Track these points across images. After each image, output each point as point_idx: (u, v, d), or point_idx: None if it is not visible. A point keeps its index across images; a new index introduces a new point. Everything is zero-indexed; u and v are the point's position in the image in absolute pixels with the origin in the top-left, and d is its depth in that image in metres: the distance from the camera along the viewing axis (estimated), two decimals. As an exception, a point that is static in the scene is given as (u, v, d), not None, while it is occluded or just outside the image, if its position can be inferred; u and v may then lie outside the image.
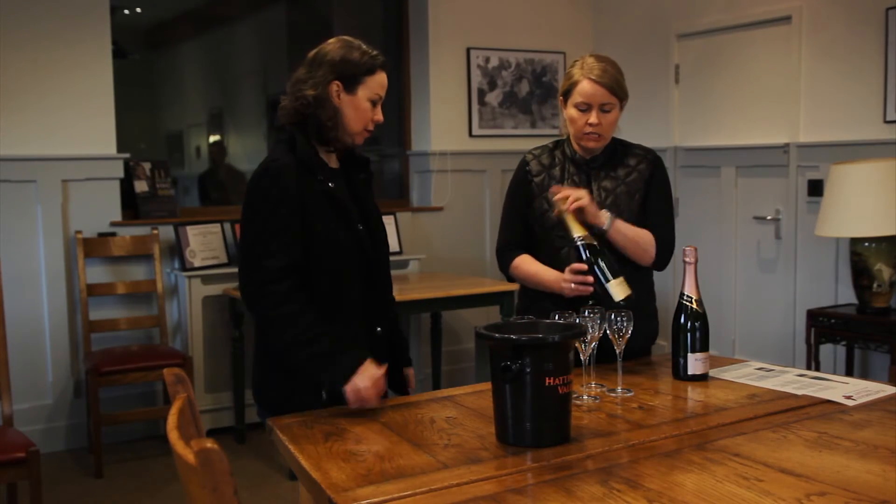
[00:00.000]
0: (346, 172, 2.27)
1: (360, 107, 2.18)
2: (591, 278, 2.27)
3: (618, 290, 2.24)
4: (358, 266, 2.19)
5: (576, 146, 2.52)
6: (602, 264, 2.25)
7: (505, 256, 2.57)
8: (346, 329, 2.15)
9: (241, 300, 2.16)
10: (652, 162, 2.52)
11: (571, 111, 2.44)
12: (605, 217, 2.37)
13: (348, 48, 2.17)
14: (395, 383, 2.32)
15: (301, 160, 2.13)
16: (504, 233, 2.61)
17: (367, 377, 2.01)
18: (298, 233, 2.09)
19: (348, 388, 2.00)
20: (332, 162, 2.24)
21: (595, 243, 2.27)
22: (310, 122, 2.16)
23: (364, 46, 2.19)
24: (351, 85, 2.16)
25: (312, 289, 2.12)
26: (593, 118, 2.41)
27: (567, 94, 2.45)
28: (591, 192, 2.45)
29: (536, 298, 2.48)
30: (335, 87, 2.15)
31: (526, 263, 2.51)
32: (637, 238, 2.43)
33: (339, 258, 2.16)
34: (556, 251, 2.45)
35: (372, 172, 2.36)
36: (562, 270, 2.39)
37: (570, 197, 2.30)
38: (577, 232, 2.27)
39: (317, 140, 2.19)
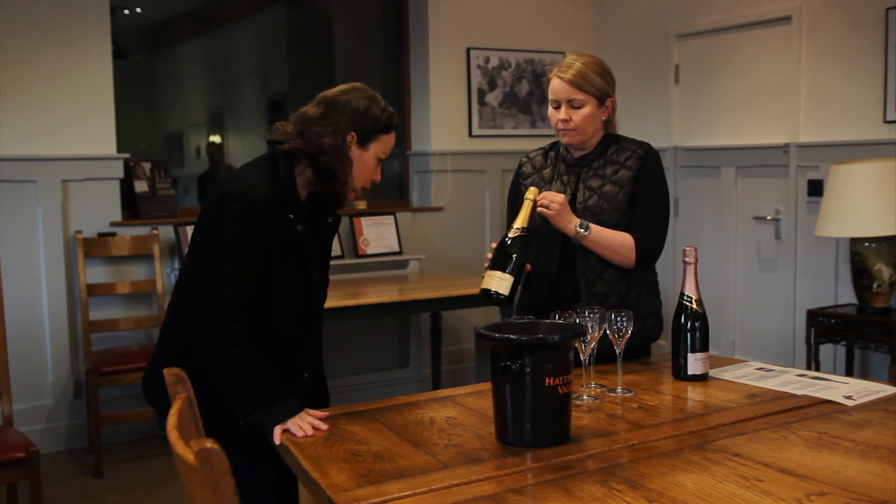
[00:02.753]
0: (312, 209, 2.17)
1: (368, 164, 2.11)
2: (489, 256, 2.26)
3: (492, 280, 2.19)
4: (302, 314, 2.13)
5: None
6: (504, 255, 2.21)
7: None
8: (277, 371, 2.05)
9: (191, 327, 2.01)
10: (642, 157, 2.47)
11: (549, 109, 2.49)
12: (573, 229, 2.36)
13: (372, 101, 2.09)
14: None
15: (279, 194, 2.03)
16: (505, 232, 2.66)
17: (304, 424, 1.90)
18: (258, 269, 2.00)
19: (276, 429, 1.91)
20: (302, 196, 2.13)
21: (521, 236, 2.23)
22: (315, 168, 2.07)
23: (384, 102, 2.12)
24: (365, 140, 2.08)
25: (256, 326, 2.03)
26: (562, 114, 2.43)
27: (546, 93, 2.51)
28: (579, 192, 2.47)
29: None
30: (350, 138, 2.07)
31: None
32: (612, 245, 2.40)
33: (286, 303, 2.08)
34: (540, 250, 2.46)
35: (340, 217, 2.27)
36: (547, 269, 2.45)
37: (543, 200, 2.33)
38: (518, 221, 2.25)
39: (315, 186, 2.10)
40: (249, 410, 1.94)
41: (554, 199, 2.34)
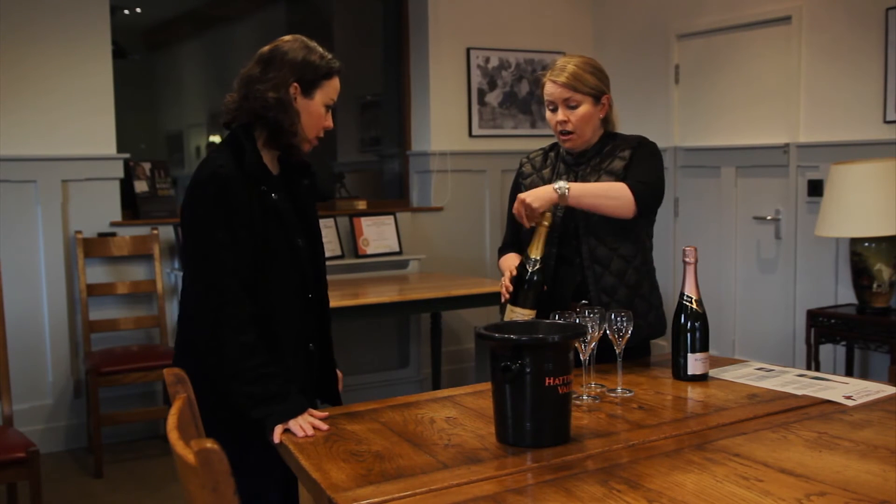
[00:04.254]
0: (287, 179, 2.18)
1: (316, 112, 2.12)
2: (511, 288, 2.28)
3: (516, 318, 2.24)
4: (295, 283, 2.12)
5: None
6: (524, 290, 2.25)
7: (498, 255, 2.66)
8: (279, 347, 2.08)
9: (195, 322, 2.04)
10: (634, 147, 2.46)
11: (547, 113, 2.49)
12: (552, 192, 2.29)
13: (308, 50, 2.10)
14: (327, 394, 2.27)
15: (248, 167, 2.04)
16: (505, 234, 2.70)
17: (305, 425, 1.89)
18: (248, 246, 2.01)
19: (277, 428, 1.90)
20: (274, 167, 2.15)
21: (541, 268, 2.26)
22: (265, 124, 2.08)
23: (321, 49, 2.13)
24: (309, 88, 2.09)
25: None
26: (560, 116, 2.44)
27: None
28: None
29: None
30: (293, 89, 2.08)
31: (504, 261, 2.56)
32: (601, 189, 2.33)
33: (277, 275, 2.08)
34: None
35: (315, 176, 2.27)
36: (547, 271, 2.44)
37: (519, 210, 2.31)
38: (534, 251, 2.27)
39: (269, 144, 2.11)
40: (252, 404, 1.94)
41: (523, 200, 2.30)
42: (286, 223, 2.10)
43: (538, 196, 2.30)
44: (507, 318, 2.26)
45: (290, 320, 2.12)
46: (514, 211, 2.34)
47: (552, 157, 2.59)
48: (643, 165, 2.42)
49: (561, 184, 2.30)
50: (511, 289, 2.28)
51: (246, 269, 2.01)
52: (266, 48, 2.13)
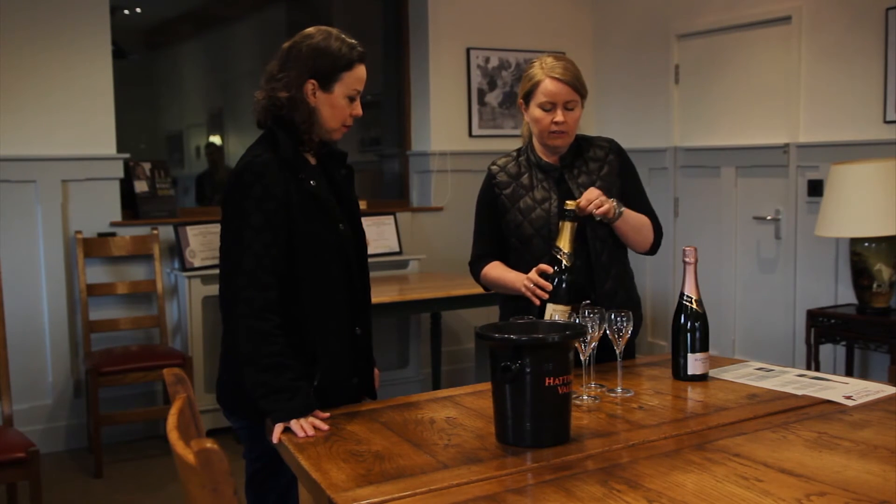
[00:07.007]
0: (325, 169, 2.20)
1: (337, 104, 2.11)
2: (549, 286, 2.25)
3: (556, 316, 2.23)
4: (340, 267, 2.14)
5: (539, 150, 2.53)
6: (564, 286, 2.24)
7: (476, 267, 2.63)
8: (328, 331, 2.11)
9: (219, 300, 2.08)
10: (617, 152, 2.55)
11: (535, 112, 2.44)
12: (613, 211, 2.36)
13: (326, 39, 2.09)
14: (367, 386, 2.27)
15: (283, 158, 2.07)
16: (476, 246, 2.67)
17: (306, 425, 1.89)
18: (282, 232, 2.03)
19: (277, 426, 1.91)
20: (311, 158, 2.18)
21: (570, 264, 2.26)
22: (284, 121, 2.11)
23: (343, 36, 2.11)
24: (327, 83, 2.09)
25: (296, 290, 2.06)
26: (559, 117, 2.41)
27: (529, 95, 2.45)
28: (574, 192, 2.46)
29: (508, 298, 2.51)
30: (310, 86, 2.08)
31: (493, 269, 2.55)
32: (640, 225, 2.47)
33: (322, 259, 2.10)
34: (534, 260, 2.39)
35: (352, 167, 2.28)
36: None
37: (592, 204, 2.30)
38: (565, 246, 2.26)
39: (289, 134, 2.13)
40: (261, 394, 1.95)
41: (604, 201, 2.32)
42: (327, 209, 2.11)
43: (608, 208, 2.33)
44: (548, 319, 2.23)
45: (336, 304, 2.13)
46: (585, 200, 2.31)
47: (524, 164, 2.57)
48: (641, 191, 2.57)
49: (619, 208, 2.37)
50: (549, 287, 2.25)
51: (280, 254, 2.02)
52: (287, 43, 2.13)
